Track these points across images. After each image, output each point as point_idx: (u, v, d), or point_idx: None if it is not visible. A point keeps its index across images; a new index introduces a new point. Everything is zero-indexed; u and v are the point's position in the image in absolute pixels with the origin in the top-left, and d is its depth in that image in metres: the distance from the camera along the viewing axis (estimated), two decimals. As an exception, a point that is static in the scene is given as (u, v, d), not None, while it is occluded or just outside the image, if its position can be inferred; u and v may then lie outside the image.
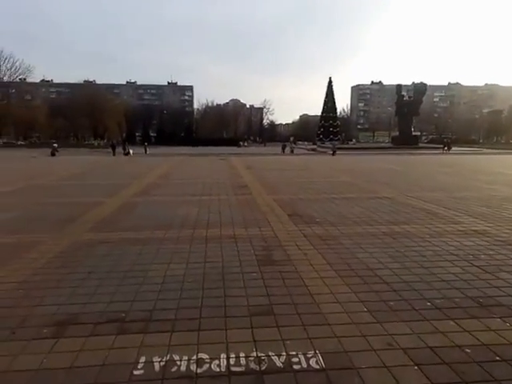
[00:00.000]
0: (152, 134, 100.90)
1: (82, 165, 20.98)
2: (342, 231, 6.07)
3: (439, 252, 4.96)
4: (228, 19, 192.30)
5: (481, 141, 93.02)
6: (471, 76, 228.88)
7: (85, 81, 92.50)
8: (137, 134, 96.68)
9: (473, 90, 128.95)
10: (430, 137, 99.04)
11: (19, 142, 63.23)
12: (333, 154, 35.34)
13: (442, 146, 47.91)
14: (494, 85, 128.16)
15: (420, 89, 61.33)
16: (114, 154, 36.59)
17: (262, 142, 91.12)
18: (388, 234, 5.85)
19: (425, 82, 65.33)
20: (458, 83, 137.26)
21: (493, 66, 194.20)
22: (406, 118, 60.47)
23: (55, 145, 32.02)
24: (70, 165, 21.24)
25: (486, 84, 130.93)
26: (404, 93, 62.44)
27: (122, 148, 38.37)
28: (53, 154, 29.45)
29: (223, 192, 10.20)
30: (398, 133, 68.87)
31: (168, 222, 6.72)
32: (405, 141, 56.83)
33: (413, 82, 64.42)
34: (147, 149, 42.15)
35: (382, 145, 71.93)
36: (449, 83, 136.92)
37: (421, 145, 62.10)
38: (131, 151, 39.23)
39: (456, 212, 7.48)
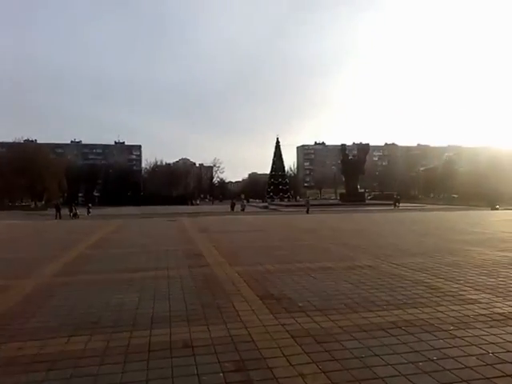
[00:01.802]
0: (96, 194, 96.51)
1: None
2: (338, 323, 4.50)
3: (486, 358, 3.51)
4: (176, 79, 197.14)
5: (420, 196, 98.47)
6: (405, 137, 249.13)
7: (25, 140, 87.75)
8: (79, 195, 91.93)
9: (407, 149, 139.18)
10: (373, 193, 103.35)
11: None
12: (307, 212, 34.50)
13: (392, 202, 49.19)
14: (426, 145, 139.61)
15: (363, 148, 64.37)
16: (59, 217, 33.40)
17: (211, 200, 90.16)
18: (399, 326, 4.36)
19: (364, 142, 69.40)
20: (393, 144, 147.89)
21: (423, 128, 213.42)
22: (352, 176, 62.40)
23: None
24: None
25: (419, 144, 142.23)
26: (347, 152, 65.13)
27: (68, 209, 35.23)
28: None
29: (173, 264, 8.34)
30: (344, 190, 70.96)
31: (94, 319, 4.77)
32: (352, 197, 58.13)
33: (353, 143, 67.80)
34: (90, 210, 39.26)
35: (331, 201, 73.34)
36: (385, 143, 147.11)
37: (367, 201, 63.77)
38: (86, 210, 36.28)
39: (458, 284, 6.23)
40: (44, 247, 12.19)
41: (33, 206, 65.89)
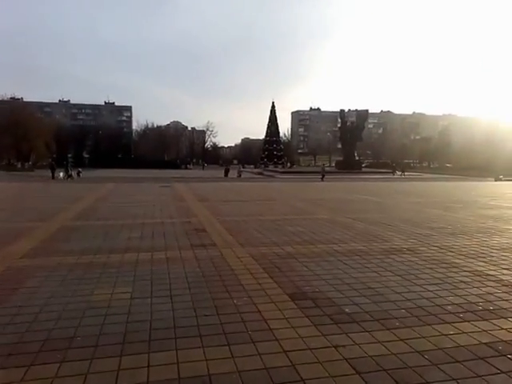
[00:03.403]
0: (85, 156, 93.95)
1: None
2: (413, 345, 3.20)
3: None
4: (170, 41, 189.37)
5: (413, 165, 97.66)
6: (401, 105, 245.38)
7: (11, 98, 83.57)
8: (69, 156, 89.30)
9: (403, 117, 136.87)
10: (367, 161, 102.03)
11: None
12: (322, 179, 32.97)
13: (390, 170, 48.01)
14: (421, 114, 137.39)
15: (362, 114, 62.44)
16: (53, 177, 32.37)
17: (202, 165, 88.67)
18: (506, 354, 3.08)
19: (361, 109, 67.19)
20: (389, 111, 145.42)
21: (419, 96, 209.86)
22: (350, 143, 60.89)
23: None
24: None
25: (414, 112, 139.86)
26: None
27: (64, 170, 34.41)
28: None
29: (172, 243, 6.95)
30: (340, 158, 69.56)
31: (69, 329, 3.40)
32: (348, 165, 56.89)
33: (349, 109, 65.49)
34: (80, 173, 37.81)
35: (327, 169, 71.98)
36: (381, 111, 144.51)
37: (364, 169, 62.57)
38: (75, 173, 35.29)
39: (532, 279, 4.98)
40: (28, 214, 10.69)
41: (19, 166, 63.34)
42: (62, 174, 34.43)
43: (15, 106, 76.10)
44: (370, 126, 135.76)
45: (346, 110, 66.92)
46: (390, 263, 5.73)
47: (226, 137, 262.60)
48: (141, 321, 3.65)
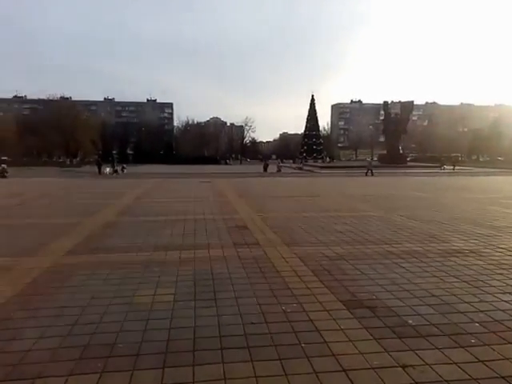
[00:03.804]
0: (129, 152, 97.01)
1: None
2: (503, 370, 2.74)
3: None
4: (208, 38, 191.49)
5: (461, 158, 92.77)
6: (447, 95, 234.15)
7: (61, 97, 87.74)
8: (114, 152, 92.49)
9: (450, 109, 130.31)
10: (411, 155, 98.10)
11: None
12: (367, 174, 31.52)
13: (438, 165, 45.79)
14: (469, 104, 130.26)
15: (407, 106, 59.84)
16: (99, 173, 34.72)
17: (240, 160, 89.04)
18: None
19: (404, 100, 64.27)
20: (435, 102, 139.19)
21: (467, 86, 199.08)
22: (394, 136, 58.65)
23: (4, 165, 27.78)
24: None
25: (462, 103, 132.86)
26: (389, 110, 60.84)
27: (111, 166, 36.34)
28: (2, 176, 25.28)
29: (215, 240, 6.72)
30: (384, 151, 67.26)
31: (110, 335, 3.21)
32: (393, 159, 54.74)
33: (391, 101, 62.90)
34: (124, 169, 39.21)
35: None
36: (426, 102, 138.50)
37: (409, 164, 60.04)
38: (120, 169, 36.79)
39: None
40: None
41: (68, 162, 66.40)
42: (108, 170, 35.96)
43: (64, 105, 79.80)
44: (415, 118, 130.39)
45: (390, 102, 64.49)
46: (452, 267, 5.18)
47: (265, 132, 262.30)
48: (184, 327, 3.41)
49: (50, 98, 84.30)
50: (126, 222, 8.67)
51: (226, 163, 76.07)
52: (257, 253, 5.88)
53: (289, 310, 3.76)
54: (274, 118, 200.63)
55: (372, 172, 32.57)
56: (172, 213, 9.86)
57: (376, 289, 4.37)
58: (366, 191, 16.04)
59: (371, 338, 3.22)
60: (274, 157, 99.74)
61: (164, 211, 10.15)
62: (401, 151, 64.13)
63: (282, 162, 61.35)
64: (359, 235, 7.13)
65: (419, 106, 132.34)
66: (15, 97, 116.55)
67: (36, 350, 3.00)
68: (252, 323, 3.49)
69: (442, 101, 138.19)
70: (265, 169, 41.33)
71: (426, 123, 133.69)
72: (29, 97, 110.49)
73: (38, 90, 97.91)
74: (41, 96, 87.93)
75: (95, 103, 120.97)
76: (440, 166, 43.74)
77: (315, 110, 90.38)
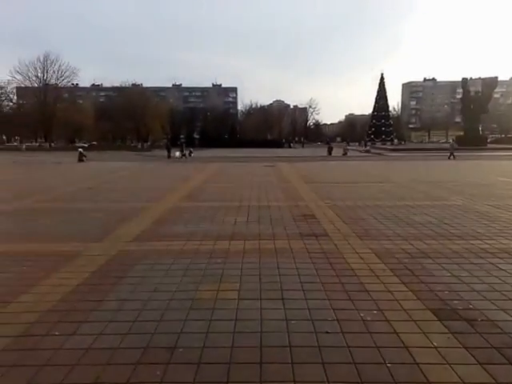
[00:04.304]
0: (196, 136, 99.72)
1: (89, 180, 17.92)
2: None
3: None
4: (273, 21, 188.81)
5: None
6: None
7: (132, 84, 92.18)
8: (181, 137, 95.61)
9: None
10: (491, 136, 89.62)
11: (51, 144, 62.55)
12: (449, 157, 29.49)
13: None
14: None
15: (490, 83, 54.41)
16: (169, 157, 36.48)
17: (302, 143, 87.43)
18: None
19: (484, 77, 58.25)
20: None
21: None
22: (473, 116, 53.82)
23: (81, 149, 29.58)
24: (75, 177, 18.31)
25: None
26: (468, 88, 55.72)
27: (179, 150, 38.13)
28: (80, 160, 26.98)
29: (280, 231, 6.30)
30: (459, 132, 62.23)
31: (171, 336, 2.96)
32: (471, 141, 50.24)
33: (470, 78, 57.18)
34: (191, 153, 40.69)
35: (444, 145, 65.01)
36: (511, 78, 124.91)
37: (489, 146, 54.82)
38: (188, 153, 38.28)
39: None
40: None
41: (139, 146, 69.90)
42: (178, 154, 37.45)
43: (135, 91, 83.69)
44: (497, 95, 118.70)
45: (469, 79, 58.99)
46: None
47: (329, 114, 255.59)
48: (249, 332, 3.06)
49: (123, 85, 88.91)
50: (191, 207, 8.57)
51: (290, 146, 75.18)
52: (326, 246, 5.39)
53: (368, 318, 3.26)
54: (340, 99, 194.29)
55: (454, 155, 29.94)
56: (236, 199, 9.64)
57: (472, 296, 3.70)
58: (445, 177, 14.63)
59: (474, 361, 2.64)
60: (338, 139, 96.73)
61: (228, 197, 9.96)
62: (480, 132, 58.83)
63: (349, 144, 59.04)
64: (443, 228, 6.32)
65: (502, 82, 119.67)
66: (93, 85, 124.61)
67: (95, 349, 2.83)
68: (327, 332, 3.05)
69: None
70: (329, 152, 39.94)
71: (510, 101, 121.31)
72: (104, 85, 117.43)
73: (114, 79, 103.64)
74: (115, 83, 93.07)
75: (164, 89, 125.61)
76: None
77: (385, 90, 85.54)
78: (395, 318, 3.25)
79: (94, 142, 68.96)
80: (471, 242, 5.50)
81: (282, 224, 6.78)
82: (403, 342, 2.88)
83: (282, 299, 3.66)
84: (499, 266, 4.52)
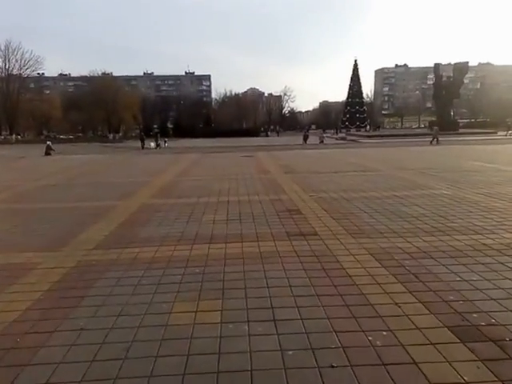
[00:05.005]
0: (169, 126, 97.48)
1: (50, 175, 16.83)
2: None
3: None
4: (242, 8, 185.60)
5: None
6: (502, 55, 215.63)
7: (102, 73, 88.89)
8: (154, 126, 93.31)
9: (505, 69, 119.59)
10: (461, 121, 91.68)
11: (14, 137, 59.51)
12: (431, 142, 29.55)
13: (492, 131, 41.99)
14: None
15: (461, 68, 55.08)
16: (142, 148, 36.12)
17: (277, 132, 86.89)
18: None
19: (453, 63, 59.02)
20: (488, 63, 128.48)
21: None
22: (445, 101, 54.56)
23: (49, 142, 28.03)
24: (33, 173, 17.18)
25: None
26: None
27: (155, 140, 37.48)
28: (47, 154, 25.48)
29: (264, 231, 5.68)
30: (433, 118, 63.13)
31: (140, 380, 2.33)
32: (443, 126, 50.86)
33: (436, 64, 57.79)
34: (166, 143, 39.86)
35: (418, 131, 65.92)
36: (479, 63, 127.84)
37: (461, 130, 55.80)
38: (163, 143, 37.57)
39: None
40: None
41: (111, 138, 67.66)
42: (152, 144, 36.78)
43: (105, 81, 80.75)
44: (466, 81, 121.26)
45: (441, 64, 59.59)
46: None
47: (304, 102, 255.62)
48: (237, 371, 2.46)
49: (92, 75, 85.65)
50: (164, 204, 7.84)
51: (267, 135, 74.65)
52: (317, 247, 4.83)
53: (378, 343, 2.71)
54: (314, 86, 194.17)
55: (438, 140, 30.28)
56: (214, 193, 8.97)
57: (491, 306, 3.21)
58: (426, 164, 14.35)
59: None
60: (313, 127, 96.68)
61: (205, 191, 9.27)
62: (452, 117, 59.82)
63: (325, 132, 58.89)
64: (438, 221, 5.87)
65: (471, 68, 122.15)
66: (60, 75, 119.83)
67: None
68: (332, 366, 2.48)
69: (497, 61, 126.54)
70: (305, 140, 39.53)
71: (478, 86, 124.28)
72: (72, 75, 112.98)
73: (82, 68, 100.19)
74: (83, 73, 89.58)
75: (135, 78, 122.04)
76: (507, 131, 39.96)
77: (358, 76, 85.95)
78: (410, 341, 2.72)
79: (57, 135, 66.06)
80: (472, 237, 5.05)
81: (265, 221, 6.17)
82: (426, 377, 2.35)
83: (274, 320, 3.07)
84: (509, 265, 4.07)
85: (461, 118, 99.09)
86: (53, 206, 7.99)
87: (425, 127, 77.96)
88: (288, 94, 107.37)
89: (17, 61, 65.34)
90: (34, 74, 72.02)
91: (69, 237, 5.52)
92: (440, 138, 32.81)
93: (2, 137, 64.84)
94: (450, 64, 65.09)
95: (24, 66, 66.19)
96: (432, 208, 6.74)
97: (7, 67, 65.18)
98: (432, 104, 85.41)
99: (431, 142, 30.10)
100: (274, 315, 3.15)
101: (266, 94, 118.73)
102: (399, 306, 3.24)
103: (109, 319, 3.14)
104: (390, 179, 10.46)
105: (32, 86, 78.47)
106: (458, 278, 3.78)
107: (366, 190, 8.82)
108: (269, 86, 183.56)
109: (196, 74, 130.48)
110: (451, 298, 3.37)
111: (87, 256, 4.70)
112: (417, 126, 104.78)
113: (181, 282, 3.85)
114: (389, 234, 5.26)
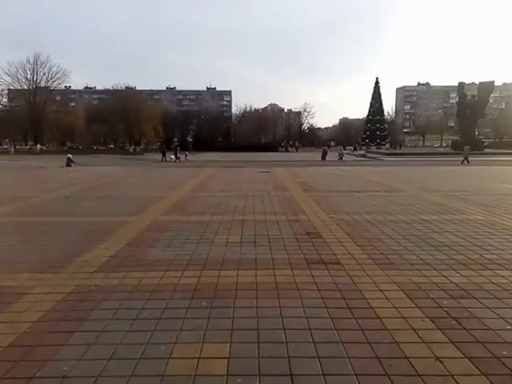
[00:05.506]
0: (189, 140, 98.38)
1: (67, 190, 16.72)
2: None
3: None
4: (266, 26, 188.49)
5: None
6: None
7: (126, 87, 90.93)
8: (175, 140, 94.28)
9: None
10: (486, 141, 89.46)
11: (39, 147, 60.85)
12: (463, 162, 28.94)
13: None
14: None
15: (486, 87, 53.99)
16: (164, 160, 36.89)
17: (296, 148, 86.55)
18: None
19: (478, 82, 57.74)
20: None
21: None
22: (470, 121, 53.41)
23: (69, 155, 28.31)
24: (54, 183, 17.13)
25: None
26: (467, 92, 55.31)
27: (174, 154, 38.03)
28: (68, 165, 25.73)
29: (281, 257, 5.18)
30: (457, 137, 61.78)
31: None
32: (468, 145, 49.64)
33: (462, 82, 56.53)
34: (186, 156, 40.37)
35: (440, 150, 64.55)
36: (504, 83, 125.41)
37: (486, 150, 54.27)
38: (184, 156, 38.03)
39: None
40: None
41: (131, 150, 68.49)
42: (173, 157, 37.25)
43: (129, 94, 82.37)
44: (490, 100, 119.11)
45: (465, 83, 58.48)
46: None
47: (324, 118, 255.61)
48: None
49: (115, 88, 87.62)
50: (176, 222, 7.44)
51: (287, 150, 74.46)
52: (340, 279, 4.31)
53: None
54: (334, 103, 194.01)
55: (468, 160, 29.48)
56: (229, 211, 8.54)
57: (556, 367, 2.63)
58: (452, 185, 13.62)
59: None
60: (332, 143, 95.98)
61: (220, 208, 8.86)
62: (477, 137, 58.34)
63: (345, 148, 58.13)
64: (475, 252, 5.27)
65: (495, 87, 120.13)
66: (86, 88, 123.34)
67: None
68: None
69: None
70: (323, 157, 38.70)
71: (503, 106, 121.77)
72: (97, 88, 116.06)
73: (107, 82, 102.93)
74: (107, 86, 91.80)
75: (158, 92, 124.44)
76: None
77: (379, 94, 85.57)
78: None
79: (80, 146, 67.35)
80: (523, 273, 4.44)
81: (282, 246, 5.69)
82: None
83: (291, 375, 2.57)
84: None
85: (485, 138, 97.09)
86: (62, 220, 7.69)
87: (447, 146, 76.33)
88: (308, 110, 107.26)
89: (44, 74, 67.45)
90: (61, 86, 74.04)
91: (71, 256, 5.16)
92: (470, 158, 31.83)
93: (28, 147, 66.63)
94: (473, 83, 63.92)
95: (51, 79, 68.18)
96: (466, 236, 6.13)
97: (35, 79, 67.27)
98: (455, 123, 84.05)
99: (462, 161, 29.31)
100: (290, 367, 2.65)
101: (285, 110, 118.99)
102: (441, 362, 2.70)
103: (97, 364, 2.70)
104: (416, 201, 9.81)
105: (58, 98, 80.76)
106: (509, 327, 3.20)
107: (391, 212, 8.22)
108: (289, 102, 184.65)
109: (217, 89, 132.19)
110: (504, 353, 2.81)
111: (87, 280, 4.31)
112: (439, 144, 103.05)
113: (185, 318, 3.39)
114: (421, 266, 4.69)
